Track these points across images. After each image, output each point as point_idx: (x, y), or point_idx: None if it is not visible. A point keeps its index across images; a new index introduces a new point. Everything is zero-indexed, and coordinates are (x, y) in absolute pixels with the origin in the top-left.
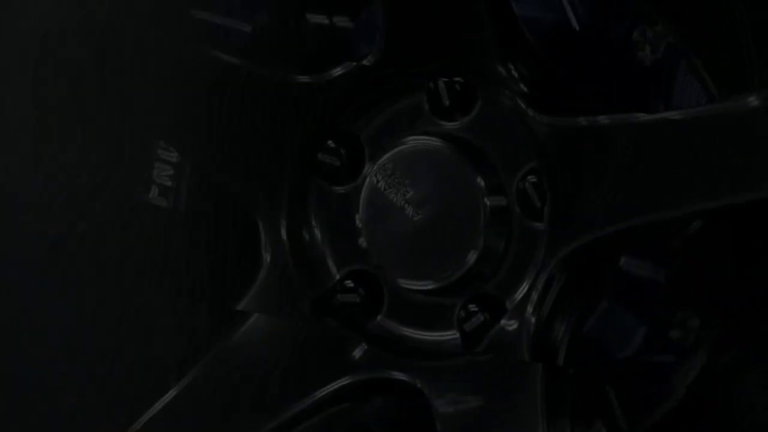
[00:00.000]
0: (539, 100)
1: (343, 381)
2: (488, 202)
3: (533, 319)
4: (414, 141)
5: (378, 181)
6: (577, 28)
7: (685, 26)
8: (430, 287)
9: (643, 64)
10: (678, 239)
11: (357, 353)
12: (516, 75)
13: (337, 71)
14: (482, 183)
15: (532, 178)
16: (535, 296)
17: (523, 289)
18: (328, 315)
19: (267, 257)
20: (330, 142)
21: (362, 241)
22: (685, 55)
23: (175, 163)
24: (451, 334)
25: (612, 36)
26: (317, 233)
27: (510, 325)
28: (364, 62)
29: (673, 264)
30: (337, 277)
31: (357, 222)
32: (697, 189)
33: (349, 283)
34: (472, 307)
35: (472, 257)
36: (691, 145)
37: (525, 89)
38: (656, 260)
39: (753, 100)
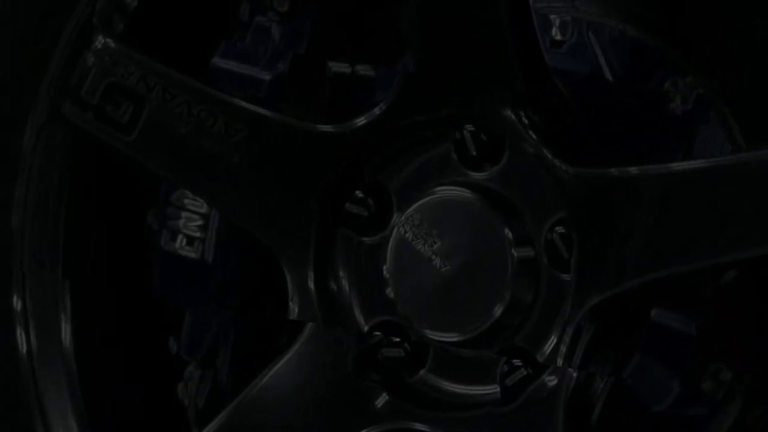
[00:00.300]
0: (566, 151)
1: None
2: (516, 254)
3: (564, 371)
4: (442, 191)
5: (405, 232)
6: (611, 79)
7: (716, 77)
8: (456, 339)
9: (674, 114)
10: (708, 290)
11: (379, 403)
12: (542, 124)
13: (361, 121)
14: (510, 234)
15: (560, 229)
16: (563, 348)
17: (552, 341)
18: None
19: (294, 308)
20: (358, 193)
21: (389, 292)
22: (714, 106)
23: (203, 213)
24: (476, 386)
25: (644, 87)
26: (344, 283)
27: (539, 376)
28: (385, 108)
29: (704, 315)
30: (366, 328)
31: (384, 273)
32: (726, 239)
33: (377, 335)
34: (503, 360)
35: (498, 309)
36: (720, 194)
37: (551, 139)
38: (687, 312)
39: None
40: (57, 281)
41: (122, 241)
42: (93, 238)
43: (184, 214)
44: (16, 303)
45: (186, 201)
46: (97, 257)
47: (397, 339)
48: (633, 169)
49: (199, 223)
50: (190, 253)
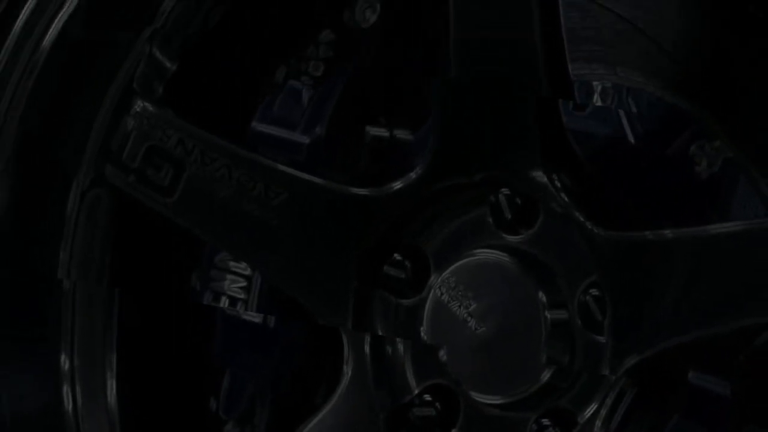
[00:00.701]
0: (599, 213)
1: None
2: (549, 316)
3: None
4: (477, 254)
5: (442, 294)
6: (633, 141)
7: (746, 141)
8: (489, 401)
9: (699, 177)
10: (744, 351)
11: None
12: (574, 187)
13: (397, 185)
14: (544, 297)
15: (593, 292)
16: (604, 412)
17: (593, 405)
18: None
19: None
20: (396, 255)
21: (442, 355)
22: (744, 169)
23: (247, 275)
24: None
25: (668, 150)
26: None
27: None
28: (421, 173)
29: (739, 377)
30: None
31: (422, 335)
32: (763, 301)
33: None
34: (531, 419)
35: (538, 372)
36: (757, 257)
37: (583, 202)
38: (723, 374)
39: None
40: (104, 340)
41: (166, 302)
42: (137, 299)
43: (228, 276)
44: (64, 362)
45: (231, 263)
46: (142, 318)
47: (429, 398)
48: (668, 232)
49: (243, 284)
50: (254, 318)
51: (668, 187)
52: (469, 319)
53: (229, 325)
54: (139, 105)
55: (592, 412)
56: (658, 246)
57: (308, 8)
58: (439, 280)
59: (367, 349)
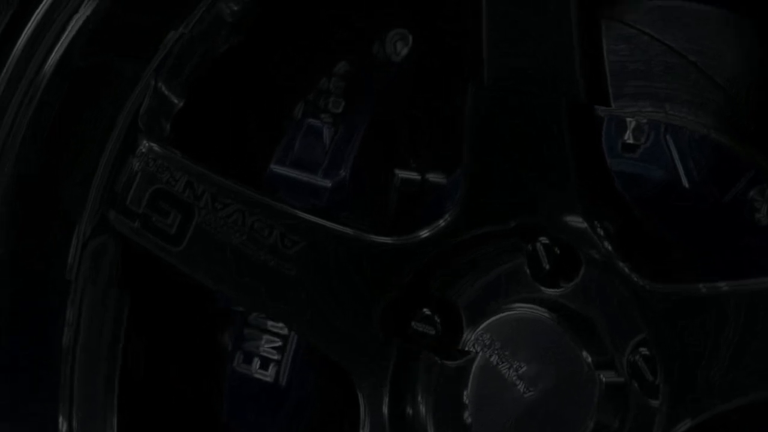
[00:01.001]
0: (646, 264)
1: None
2: (596, 377)
3: None
4: (513, 309)
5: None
6: (687, 185)
7: None
8: None
9: (759, 225)
10: None
11: None
12: (618, 235)
13: (424, 233)
14: (588, 356)
15: (643, 350)
16: None
17: None
18: None
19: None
20: (425, 310)
21: (467, 417)
22: None
23: (284, 335)
24: None
25: (724, 195)
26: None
27: None
28: (450, 220)
29: None
30: None
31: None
32: None
33: None
34: None
35: None
36: None
37: (629, 251)
38: None
39: None
40: (105, 400)
41: (171, 358)
42: (143, 355)
43: (264, 336)
44: (62, 425)
45: (269, 322)
46: (148, 377)
47: None
48: (723, 285)
49: (278, 344)
50: (263, 376)
51: (724, 236)
52: (507, 380)
53: (238, 382)
54: (144, 145)
55: None
56: (713, 300)
57: (333, 38)
58: (473, 337)
59: (385, 409)
